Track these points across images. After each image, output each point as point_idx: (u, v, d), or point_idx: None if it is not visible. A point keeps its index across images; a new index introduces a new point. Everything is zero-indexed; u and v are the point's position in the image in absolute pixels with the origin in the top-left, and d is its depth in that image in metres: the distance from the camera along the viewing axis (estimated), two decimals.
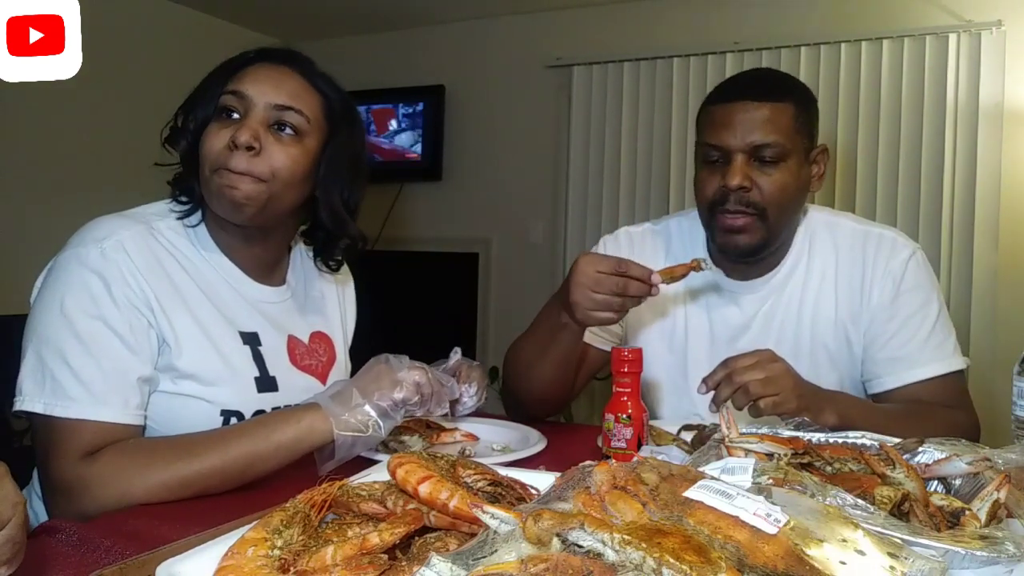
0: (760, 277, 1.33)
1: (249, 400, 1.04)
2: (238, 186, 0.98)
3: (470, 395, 1.11)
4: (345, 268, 1.27)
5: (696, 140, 1.28)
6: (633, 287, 1.10)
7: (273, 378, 1.07)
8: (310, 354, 1.15)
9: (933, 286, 1.30)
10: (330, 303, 1.24)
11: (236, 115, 1.00)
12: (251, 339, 1.07)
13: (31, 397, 0.90)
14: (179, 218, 1.06)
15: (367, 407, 0.94)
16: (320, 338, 1.19)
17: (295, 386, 1.10)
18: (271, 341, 1.09)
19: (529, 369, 1.28)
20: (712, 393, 1.08)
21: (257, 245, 1.09)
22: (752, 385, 1.05)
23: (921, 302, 1.27)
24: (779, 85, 1.25)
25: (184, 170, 1.06)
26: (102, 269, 0.93)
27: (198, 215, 1.07)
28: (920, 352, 1.25)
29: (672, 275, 1.13)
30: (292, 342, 1.13)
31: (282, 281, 1.16)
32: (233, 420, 1.02)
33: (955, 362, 1.27)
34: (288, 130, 1.01)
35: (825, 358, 1.29)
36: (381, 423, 0.94)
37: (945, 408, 1.24)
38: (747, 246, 1.25)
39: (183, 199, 1.07)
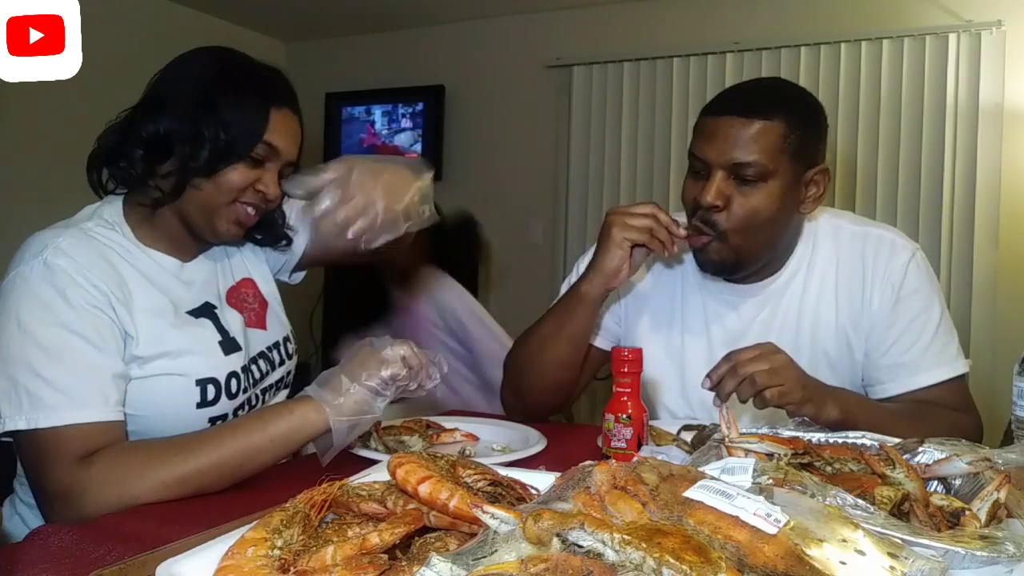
0: (760, 282, 1.31)
1: (219, 364, 1.06)
2: (248, 223, 1.08)
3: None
4: None
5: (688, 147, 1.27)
6: (663, 227, 1.20)
7: (234, 338, 1.10)
8: (243, 304, 1.17)
9: (934, 288, 1.28)
10: (246, 250, 1.24)
11: (259, 160, 1.05)
12: (203, 311, 1.09)
13: (11, 417, 0.89)
14: (110, 190, 1.07)
15: (358, 389, 0.94)
16: (246, 284, 1.21)
17: (253, 342, 1.14)
18: (218, 307, 1.12)
19: (541, 350, 1.31)
20: (714, 389, 1.07)
21: (190, 233, 1.10)
22: (758, 376, 1.04)
23: (922, 306, 1.25)
24: (772, 101, 1.20)
25: (149, 158, 1.02)
26: (50, 279, 0.94)
27: (119, 208, 1.07)
28: (923, 358, 1.24)
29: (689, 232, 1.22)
30: (230, 299, 1.15)
31: (203, 250, 1.16)
32: (210, 388, 1.04)
33: (958, 366, 1.26)
34: (284, 173, 1.09)
35: (825, 364, 1.28)
36: (374, 403, 0.95)
37: (949, 410, 1.23)
38: (714, 264, 1.25)
39: (112, 183, 1.06)
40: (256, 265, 1.24)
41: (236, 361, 1.08)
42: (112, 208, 1.08)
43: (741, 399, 1.06)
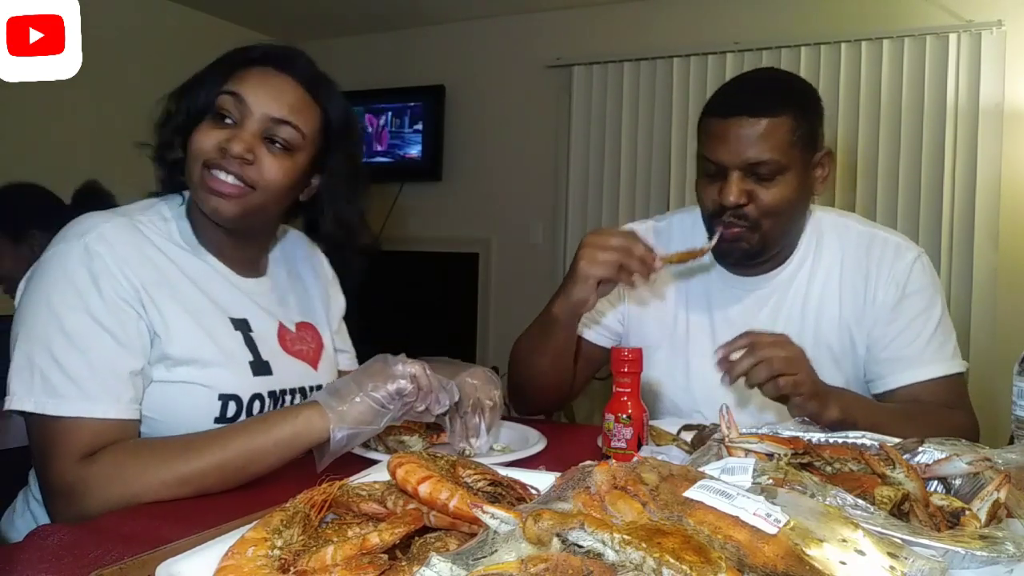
0: (765, 274, 1.34)
1: (245, 383, 1.03)
2: (224, 189, 0.99)
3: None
4: (324, 262, 1.30)
5: (697, 149, 1.28)
6: (635, 260, 1.17)
7: (267, 362, 1.07)
8: (300, 340, 1.16)
9: (936, 290, 1.31)
10: (314, 295, 1.25)
11: (230, 120, 1.00)
12: (242, 325, 1.07)
13: (20, 396, 0.89)
14: (159, 194, 1.07)
15: (363, 400, 0.94)
16: (306, 327, 1.20)
17: (288, 370, 1.11)
18: (261, 327, 1.10)
19: (528, 360, 1.34)
20: (725, 365, 1.08)
21: (239, 242, 1.10)
22: (776, 361, 1.05)
23: (924, 306, 1.28)
24: (777, 96, 1.22)
25: (170, 156, 1.05)
26: (87, 264, 0.93)
27: (181, 203, 1.08)
28: (921, 353, 1.26)
29: (680, 256, 1.20)
30: (281, 329, 1.14)
31: (263, 273, 1.17)
32: (231, 405, 1.02)
33: (955, 364, 1.28)
34: (280, 145, 1.01)
35: (828, 358, 1.29)
36: (377, 416, 0.95)
37: (945, 408, 1.25)
38: (744, 253, 1.28)
39: (171, 189, 1.08)
40: (322, 318, 1.24)
41: (263, 384, 1.06)
42: (172, 203, 1.07)
43: (752, 381, 1.06)
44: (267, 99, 1.00)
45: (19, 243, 2.04)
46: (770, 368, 1.04)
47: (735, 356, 1.07)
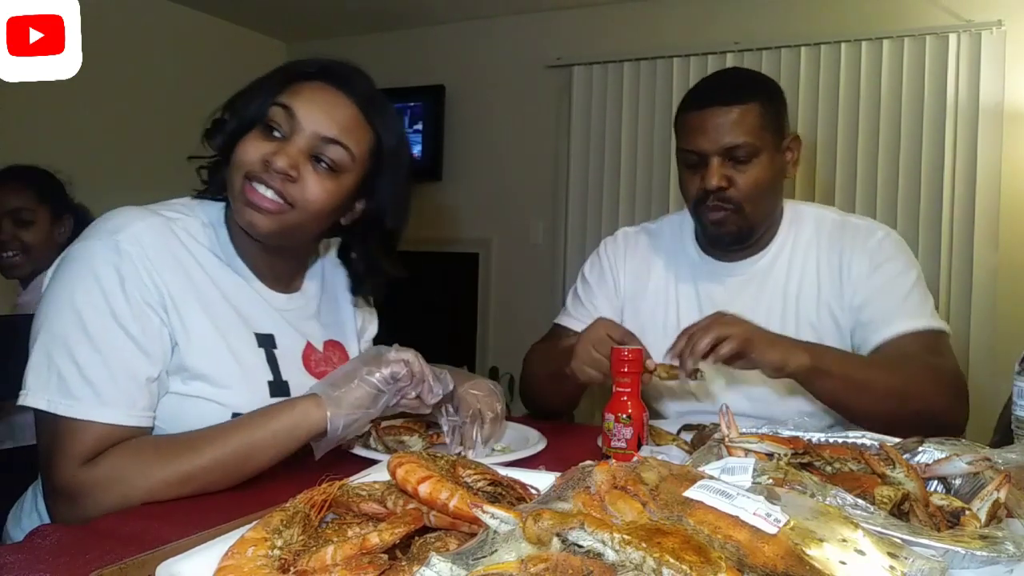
0: (746, 259, 1.42)
1: (261, 404, 1.00)
2: (262, 204, 0.96)
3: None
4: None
5: (676, 145, 1.37)
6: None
7: (286, 382, 1.05)
8: (325, 361, 1.14)
9: (909, 260, 1.37)
10: (347, 314, 1.23)
11: (278, 133, 0.97)
12: (266, 341, 1.05)
13: (35, 393, 0.88)
14: (195, 197, 1.06)
15: (359, 385, 0.94)
16: (334, 346, 1.17)
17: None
18: (287, 344, 1.08)
19: (542, 390, 1.45)
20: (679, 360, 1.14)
21: (275, 256, 1.09)
22: (706, 332, 1.11)
23: (898, 271, 1.34)
24: (744, 87, 1.33)
25: (216, 165, 1.05)
26: (116, 263, 0.91)
27: (221, 209, 1.07)
28: (898, 309, 1.31)
29: (669, 373, 1.18)
30: (308, 348, 1.12)
31: (297, 288, 1.15)
32: None
33: (935, 322, 1.32)
34: (326, 164, 0.98)
35: (812, 337, 1.33)
36: (374, 401, 0.95)
37: (929, 355, 1.27)
38: (732, 235, 1.37)
39: (213, 193, 1.07)
40: (352, 337, 1.22)
41: None
42: (214, 208, 1.06)
43: (696, 353, 1.11)
44: (319, 115, 0.97)
45: (55, 222, 2.09)
46: (706, 336, 1.11)
47: (676, 351, 1.15)
